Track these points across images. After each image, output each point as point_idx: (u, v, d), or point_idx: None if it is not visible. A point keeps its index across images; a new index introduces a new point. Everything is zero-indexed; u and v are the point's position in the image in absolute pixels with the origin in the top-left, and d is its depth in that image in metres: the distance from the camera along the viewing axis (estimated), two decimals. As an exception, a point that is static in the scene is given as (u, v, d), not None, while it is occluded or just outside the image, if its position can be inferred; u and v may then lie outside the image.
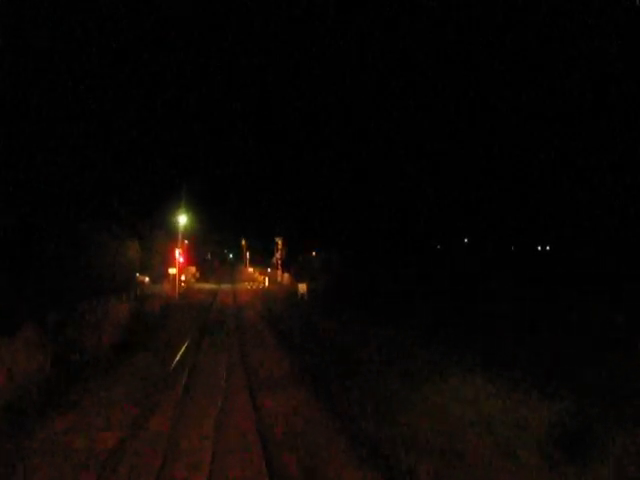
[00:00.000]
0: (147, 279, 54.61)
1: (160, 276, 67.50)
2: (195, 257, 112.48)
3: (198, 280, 67.73)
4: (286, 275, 55.16)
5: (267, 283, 55.91)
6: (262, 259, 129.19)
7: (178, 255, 37.92)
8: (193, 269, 71.42)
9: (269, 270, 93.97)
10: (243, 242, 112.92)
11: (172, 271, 48.09)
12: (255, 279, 66.05)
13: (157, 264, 69.86)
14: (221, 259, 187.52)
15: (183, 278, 59.45)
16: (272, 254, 76.08)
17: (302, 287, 37.35)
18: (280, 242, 54.99)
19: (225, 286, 58.04)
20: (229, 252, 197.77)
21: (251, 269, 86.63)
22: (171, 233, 64.60)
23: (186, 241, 66.67)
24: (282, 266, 56.05)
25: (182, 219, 64.59)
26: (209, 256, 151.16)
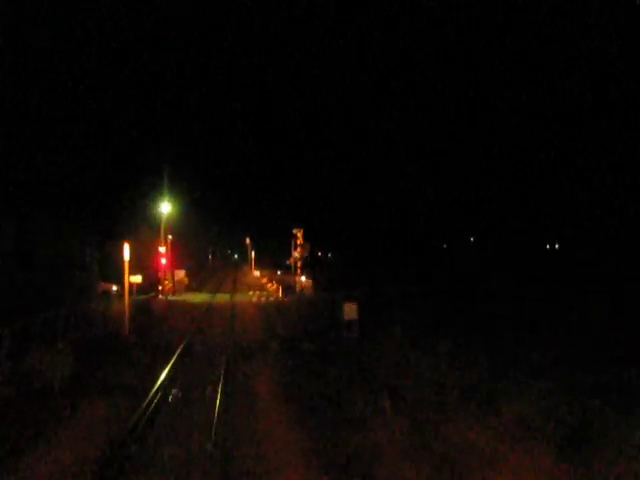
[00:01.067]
0: (115, 288, 38.05)
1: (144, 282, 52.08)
2: (192, 258, 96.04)
3: (189, 288, 50.99)
4: (307, 281, 38.32)
5: (281, 293, 38.93)
6: (270, 260, 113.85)
7: (127, 253, 20.86)
8: (182, 273, 54.80)
9: (279, 273, 76.98)
10: (247, 240, 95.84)
11: (134, 279, 31.46)
12: (263, 286, 49.30)
13: (136, 266, 53.50)
14: (224, 260, 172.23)
15: (160, 288, 42.77)
16: (284, 254, 60.68)
17: (350, 309, 20.67)
18: (300, 234, 37.94)
19: (222, 297, 41.39)
20: (233, 252, 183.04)
21: (257, 272, 69.78)
22: (158, 229, 48.35)
23: (170, 236, 49.99)
24: (302, 269, 38.90)
25: (165, 208, 48.11)
26: (210, 257, 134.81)
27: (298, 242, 38.02)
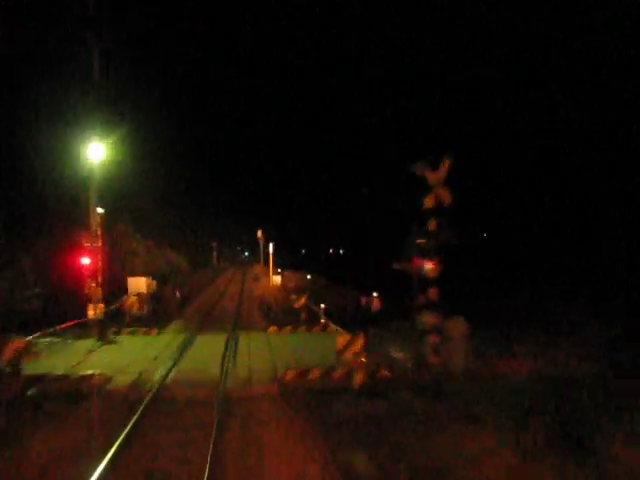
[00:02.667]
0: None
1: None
2: (185, 256, 71.31)
3: (140, 316, 25.14)
4: (457, 322, 12.22)
5: (364, 356, 12.30)
6: (288, 256, 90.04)
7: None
8: (141, 283, 29.20)
9: (308, 277, 50.42)
10: (259, 233, 70.25)
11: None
12: (298, 309, 23.66)
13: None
14: (234, 257, 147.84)
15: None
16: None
17: None
18: (446, 193, 11.23)
19: (205, 355, 15.86)
20: (243, 249, 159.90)
21: (278, 278, 43.94)
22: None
23: (100, 209, 23.74)
24: (438, 283, 12.24)
25: (96, 151, 21.95)
26: (214, 255, 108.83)
27: (437, 199, 11.33)
